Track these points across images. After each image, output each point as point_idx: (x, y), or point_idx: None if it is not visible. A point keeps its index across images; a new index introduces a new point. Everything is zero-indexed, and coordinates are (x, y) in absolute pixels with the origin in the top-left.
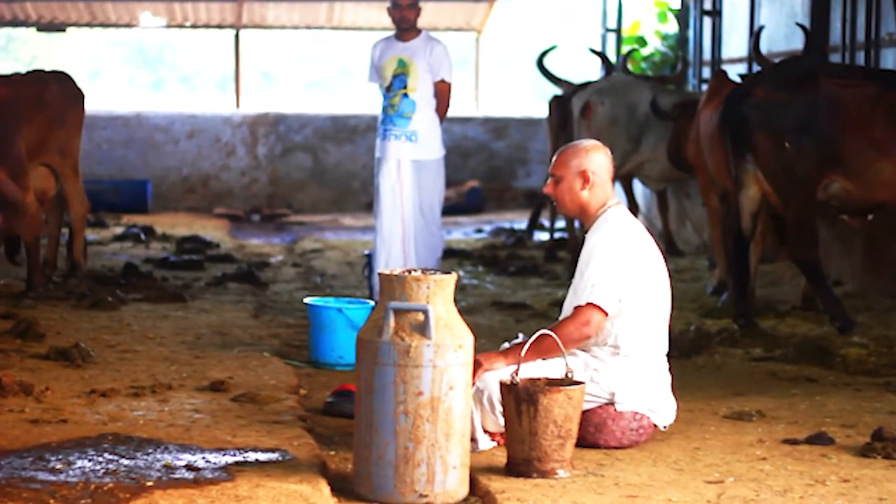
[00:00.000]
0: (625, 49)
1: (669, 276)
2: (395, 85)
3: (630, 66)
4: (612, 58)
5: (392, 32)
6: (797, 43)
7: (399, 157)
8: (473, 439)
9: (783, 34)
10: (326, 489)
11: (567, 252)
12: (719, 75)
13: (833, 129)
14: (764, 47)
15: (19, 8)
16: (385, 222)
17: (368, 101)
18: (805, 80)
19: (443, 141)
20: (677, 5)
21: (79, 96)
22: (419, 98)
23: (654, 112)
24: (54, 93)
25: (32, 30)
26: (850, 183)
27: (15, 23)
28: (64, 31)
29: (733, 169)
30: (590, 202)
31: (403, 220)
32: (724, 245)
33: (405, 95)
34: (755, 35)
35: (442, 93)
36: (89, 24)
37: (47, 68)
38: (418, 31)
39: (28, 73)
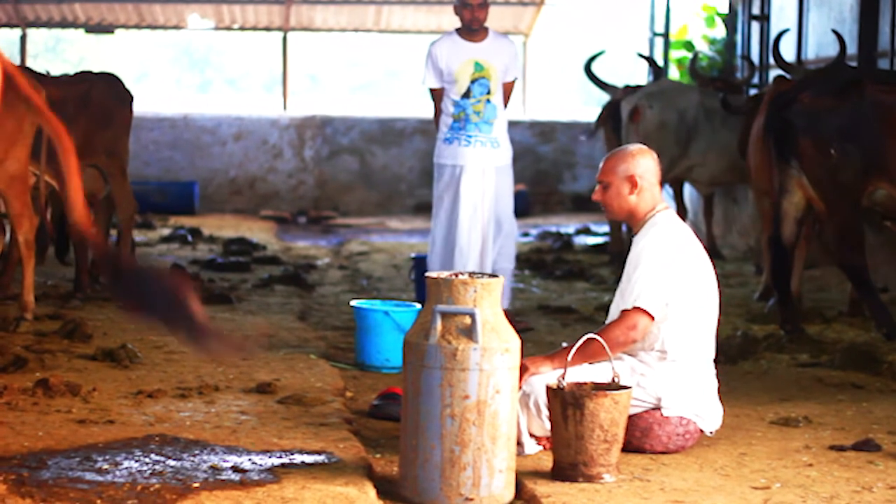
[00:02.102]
0: (672, 54)
1: (717, 281)
2: (477, 90)
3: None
4: (660, 62)
5: (447, 32)
6: (847, 48)
7: (484, 165)
8: (519, 443)
9: (831, 39)
10: (372, 492)
11: (609, 254)
12: (779, 80)
13: (878, 135)
14: (811, 52)
15: (68, 9)
16: (464, 232)
17: (415, 104)
18: (851, 86)
19: None
20: (725, 9)
21: (127, 98)
22: (498, 102)
23: (724, 108)
24: (102, 94)
25: (81, 31)
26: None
27: (63, 24)
28: (112, 32)
29: (777, 174)
30: (638, 206)
31: (483, 229)
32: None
33: (489, 101)
34: (775, 40)
35: (509, 92)
36: (137, 26)
37: (95, 69)
38: (486, 30)
39: (76, 74)
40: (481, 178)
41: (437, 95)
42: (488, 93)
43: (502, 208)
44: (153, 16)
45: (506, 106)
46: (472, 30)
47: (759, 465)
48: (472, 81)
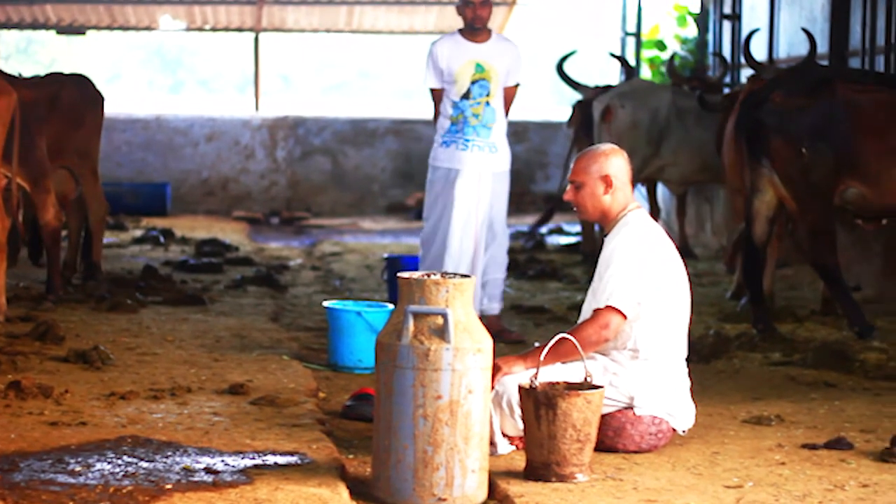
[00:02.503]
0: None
1: (689, 280)
2: (477, 92)
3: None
4: (632, 61)
5: (449, 32)
6: (818, 47)
7: (480, 170)
8: (492, 443)
9: (802, 38)
10: (345, 493)
11: (582, 254)
12: (753, 79)
13: (850, 134)
14: (783, 51)
15: (39, 10)
16: (455, 238)
17: (387, 105)
18: (822, 85)
19: None
20: (697, 9)
21: (97, 99)
22: (497, 106)
23: (701, 105)
24: (72, 95)
25: (52, 32)
26: (867, 188)
27: (35, 25)
28: (83, 33)
29: (749, 173)
30: (611, 206)
31: (475, 236)
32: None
33: (488, 104)
34: (746, 39)
35: (510, 98)
36: (109, 27)
37: (67, 71)
38: (489, 31)
39: (46, 75)
40: (477, 184)
41: (437, 96)
42: (488, 95)
43: (496, 215)
44: (125, 17)
45: (507, 112)
46: (474, 29)
47: (732, 464)
48: (473, 82)
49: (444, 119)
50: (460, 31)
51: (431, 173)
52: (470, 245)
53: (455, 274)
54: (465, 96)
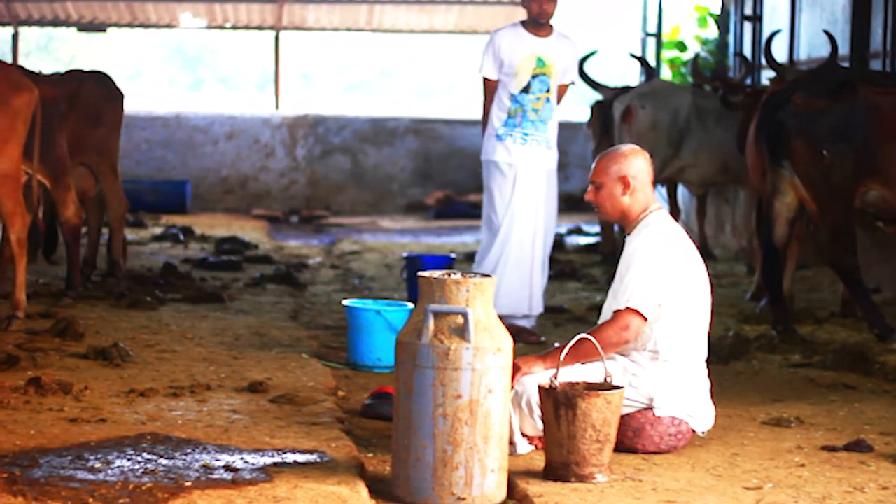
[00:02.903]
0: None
1: (709, 281)
2: (537, 87)
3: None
4: (652, 62)
5: (511, 23)
6: (839, 49)
7: (539, 166)
8: (512, 443)
9: (823, 40)
10: (364, 491)
11: (601, 254)
12: (776, 80)
13: (871, 136)
14: (804, 53)
15: (60, 7)
16: (522, 237)
17: (407, 104)
18: (843, 87)
19: None
20: (718, 10)
21: (117, 96)
22: (554, 102)
23: (724, 104)
24: (92, 92)
25: (73, 30)
26: (888, 191)
27: (55, 22)
28: (104, 31)
29: (770, 175)
30: (631, 207)
31: (544, 234)
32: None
33: (548, 100)
34: (767, 41)
35: (562, 95)
36: (129, 25)
37: (87, 68)
38: (551, 27)
39: (66, 72)
40: (538, 180)
41: (490, 87)
42: (548, 91)
43: (552, 214)
44: (145, 14)
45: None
46: (538, 24)
47: (751, 466)
48: (534, 77)
49: (501, 112)
50: (522, 23)
51: (487, 169)
52: (540, 245)
53: (476, 273)
54: (525, 90)
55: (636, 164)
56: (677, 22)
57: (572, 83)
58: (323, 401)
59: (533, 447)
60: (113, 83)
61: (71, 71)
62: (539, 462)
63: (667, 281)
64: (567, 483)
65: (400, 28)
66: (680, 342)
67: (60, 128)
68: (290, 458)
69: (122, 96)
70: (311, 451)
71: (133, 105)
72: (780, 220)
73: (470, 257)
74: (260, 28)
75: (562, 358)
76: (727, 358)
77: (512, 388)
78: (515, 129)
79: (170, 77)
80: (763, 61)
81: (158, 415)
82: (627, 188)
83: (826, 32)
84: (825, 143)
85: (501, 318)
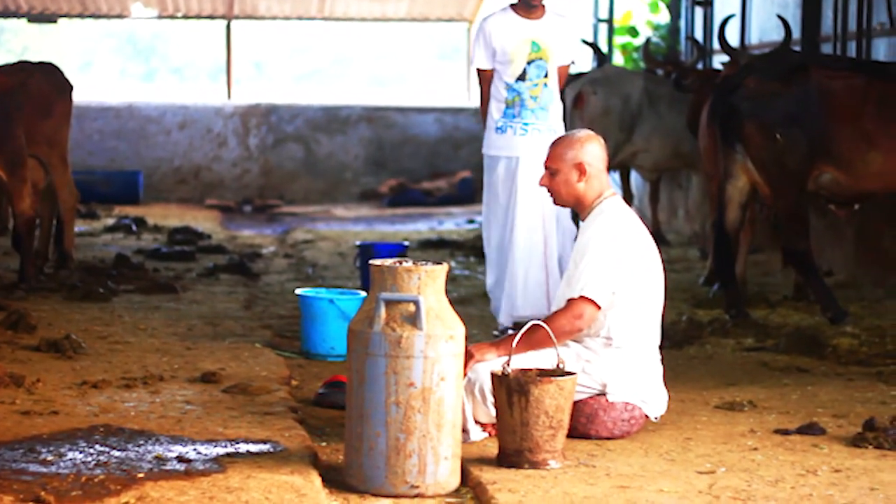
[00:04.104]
0: (616, 40)
1: (663, 266)
2: (534, 73)
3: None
4: (604, 48)
5: (500, 8)
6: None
7: (542, 156)
8: (465, 430)
9: (775, 24)
10: (318, 480)
11: None
12: (730, 65)
13: (824, 120)
14: (755, 37)
15: None
16: (524, 232)
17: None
18: (796, 71)
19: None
20: None
21: (66, 87)
22: (554, 87)
23: (676, 87)
24: (41, 84)
25: (23, 21)
26: (841, 173)
27: (6, 14)
28: (55, 21)
29: (722, 159)
30: (586, 193)
31: (544, 228)
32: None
33: (546, 85)
34: (720, 25)
35: (563, 77)
36: (81, 15)
37: (38, 59)
38: (543, 7)
39: (14, 63)
40: (540, 171)
41: (486, 78)
42: (546, 76)
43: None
44: (96, 4)
45: (561, 93)
46: (529, 6)
47: (705, 450)
48: (529, 62)
49: (498, 103)
50: (512, 6)
51: (488, 163)
52: (540, 240)
53: (427, 261)
54: (521, 77)
55: (591, 150)
56: (629, 7)
57: (572, 63)
58: (276, 390)
59: (486, 434)
60: (62, 74)
61: (19, 62)
62: (492, 449)
63: (621, 269)
64: (521, 469)
65: (352, 16)
66: (633, 329)
67: (17, 119)
68: (243, 448)
69: (70, 87)
70: (264, 441)
71: (85, 96)
72: (732, 204)
73: (424, 245)
74: (211, 17)
75: (514, 345)
76: (681, 343)
77: (465, 375)
78: (514, 119)
79: (122, 68)
80: (715, 45)
81: (111, 406)
82: (583, 175)
83: (779, 17)
84: (778, 126)
85: (523, 321)
